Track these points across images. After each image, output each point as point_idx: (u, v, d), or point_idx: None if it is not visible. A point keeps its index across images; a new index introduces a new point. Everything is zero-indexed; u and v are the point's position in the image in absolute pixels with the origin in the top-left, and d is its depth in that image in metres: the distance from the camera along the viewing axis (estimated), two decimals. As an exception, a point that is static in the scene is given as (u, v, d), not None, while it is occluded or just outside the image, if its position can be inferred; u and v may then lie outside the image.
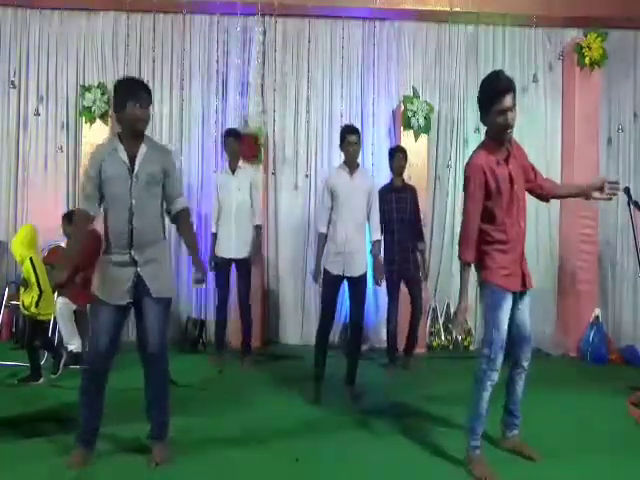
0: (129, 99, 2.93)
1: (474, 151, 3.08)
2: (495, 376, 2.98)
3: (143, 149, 3.00)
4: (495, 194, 2.94)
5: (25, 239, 4.58)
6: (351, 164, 4.23)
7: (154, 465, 2.97)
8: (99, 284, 3.02)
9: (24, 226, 4.91)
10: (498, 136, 2.96)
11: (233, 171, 5.18)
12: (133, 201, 2.95)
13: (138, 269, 2.99)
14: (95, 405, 3.00)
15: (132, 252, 2.97)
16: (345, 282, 4.24)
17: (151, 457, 3.02)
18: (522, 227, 3.03)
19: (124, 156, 2.97)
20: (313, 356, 4.29)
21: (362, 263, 4.21)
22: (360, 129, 6.25)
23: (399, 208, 5.07)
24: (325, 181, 4.34)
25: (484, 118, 3.00)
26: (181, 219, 3.18)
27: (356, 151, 4.21)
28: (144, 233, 2.99)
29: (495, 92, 2.87)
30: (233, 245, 5.10)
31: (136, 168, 2.96)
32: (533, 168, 3.15)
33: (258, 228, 5.26)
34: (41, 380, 4.52)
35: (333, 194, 4.18)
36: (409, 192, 5.19)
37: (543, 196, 3.22)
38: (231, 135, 5.19)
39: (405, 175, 5.96)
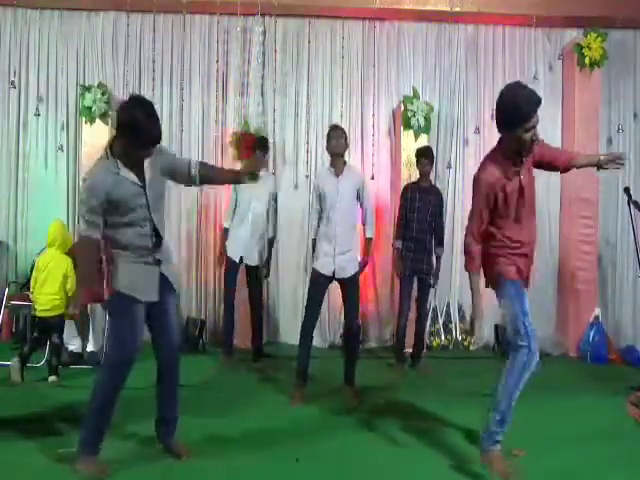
0: (150, 130, 2.74)
1: (484, 161, 3.01)
2: (534, 365, 2.89)
3: (146, 160, 2.89)
4: (502, 207, 2.94)
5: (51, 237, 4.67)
6: (337, 164, 4.20)
7: (185, 459, 3.04)
8: (127, 282, 2.89)
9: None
10: (521, 150, 2.90)
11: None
12: (153, 214, 2.92)
13: (161, 268, 3.00)
14: (111, 409, 2.93)
15: (156, 255, 2.97)
16: (337, 284, 4.24)
17: (180, 452, 3.07)
18: (531, 229, 3.04)
19: (131, 176, 2.84)
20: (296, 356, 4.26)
21: (353, 264, 4.22)
22: (360, 129, 6.40)
23: (420, 208, 5.05)
24: (314, 184, 4.34)
25: (506, 131, 2.90)
26: (207, 166, 3.22)
27: (341, 144, 4.16)
28: (162, 236, 3.01)
29: (527, 110, 2.77)
30: (242, 251, 5.11)
31: (147, 183, 2.88)
32: (547, 149, 3.09)
33: (271, 241, 5.28)
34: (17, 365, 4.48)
35: (321, 197, 4.20)
36: (434, 195, 5.15)
37: (556, 169, 3.19)
38: (258, 149, 5.14)
39: (405, 175, 6.01)
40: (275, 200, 5.35)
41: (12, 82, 6.17)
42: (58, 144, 6.24)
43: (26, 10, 6.27)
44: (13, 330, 5.90)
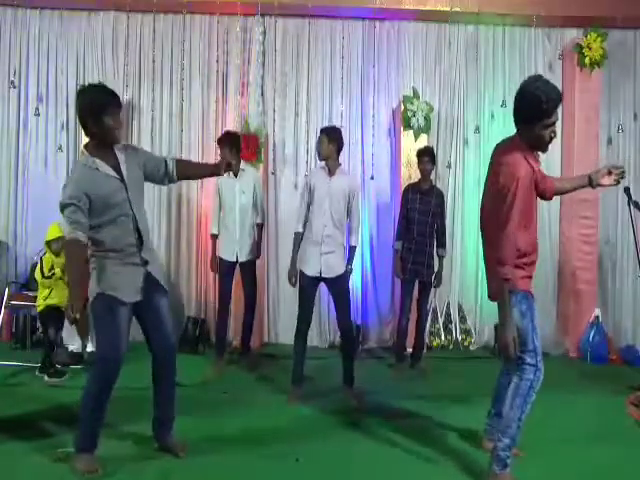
0: (105, 111, 2.81)
1: (513, 155, 2.75)
2: (540, 382, 2.86)
3: (121, 156, 2.94)
4: (530, 201, 2.80)
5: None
6: (329, 165, 4.22)
7: (183, 455, 3.07)
8: (108, 282, 2.90)
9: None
10: (540, 147, 2.80)
11: (235, 174, 5.10)
12: (133, 208, 2.93)
13: (148, 268, 3.00)
14: (104, 409, 2.94)
15: (142, 254, 2.97)
16: (325, 285, 4.26)
17: (176, 450, 3.10)
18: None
19: (109, 170, 2.88)
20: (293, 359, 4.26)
21: (339, 264, 4.21)
22: (360, 129, 6.40)
23: (421, 210, 5.05)
24: (306, 180, 4.36)
25: (526, 127, 2.75)
26: (183, 161, 3.40)
27: (321, 149, 4.20)
28: (146, 233, 3.02)
29: (548, 105, 2.64)
30: (237, 248, 5.08)
31: (125, 176, 2.91)
32: (541, 176, 2.99)
33: (259, 226, 5.25)
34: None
35: (311, 194, 4.21)
36: (435, 196, 5.13)
37: (545, 196, 3.08)
38: (225, 142, 4.99)
39: (405, 175, 6.00)
40: (259, 189, 5.23)
41: (12, 82, 6.17)
42: (58, 144, 6.24)
43: (26, 10, 6.26)
44: (13, 330, 5.90)
